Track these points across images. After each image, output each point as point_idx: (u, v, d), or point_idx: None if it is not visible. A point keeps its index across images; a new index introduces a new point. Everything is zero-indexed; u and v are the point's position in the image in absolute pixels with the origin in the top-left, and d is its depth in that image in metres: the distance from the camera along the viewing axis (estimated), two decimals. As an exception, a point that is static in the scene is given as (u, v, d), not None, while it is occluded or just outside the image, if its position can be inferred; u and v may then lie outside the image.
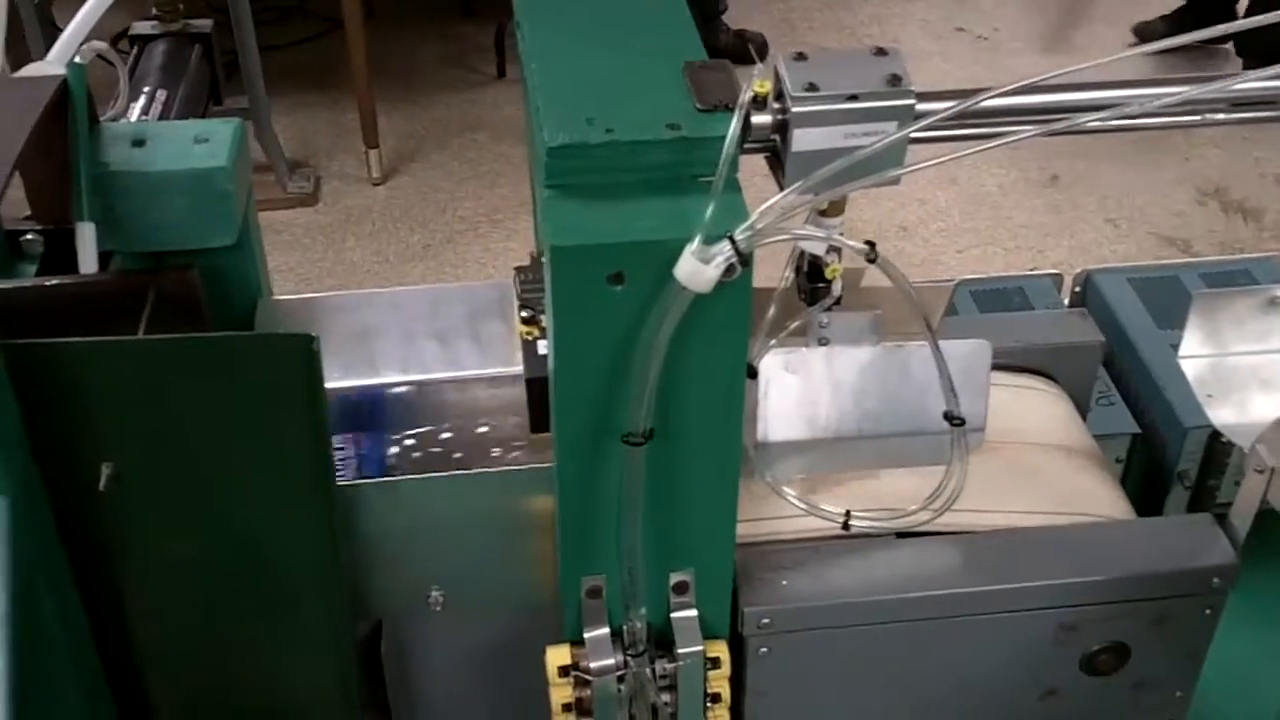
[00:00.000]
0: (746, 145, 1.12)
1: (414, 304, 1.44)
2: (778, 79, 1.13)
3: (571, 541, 1.23)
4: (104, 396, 1.10)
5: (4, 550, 0.99)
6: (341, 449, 1.33)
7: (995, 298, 1.93)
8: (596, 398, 1.13)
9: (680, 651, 1.26)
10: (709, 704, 1.30)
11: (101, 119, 1.35)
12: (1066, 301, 1.94)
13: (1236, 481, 1.67)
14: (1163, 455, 1.73)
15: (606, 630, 1.26)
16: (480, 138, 4.04)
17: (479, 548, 1.32)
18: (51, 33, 3.51)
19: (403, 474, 1.31)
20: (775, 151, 1.16)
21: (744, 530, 1.27)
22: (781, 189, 1.13)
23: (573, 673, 1.26)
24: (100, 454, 1.13)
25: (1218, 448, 1.68)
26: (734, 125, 1.08)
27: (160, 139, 1.33)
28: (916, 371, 1.29)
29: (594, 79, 1.18)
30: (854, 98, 1.12)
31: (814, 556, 1.32)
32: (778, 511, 1.34)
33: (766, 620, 1.28)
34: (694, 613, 1.26)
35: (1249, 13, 3.71)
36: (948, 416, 1.23)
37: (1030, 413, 1.55)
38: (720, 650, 1.27)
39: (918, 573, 1.32)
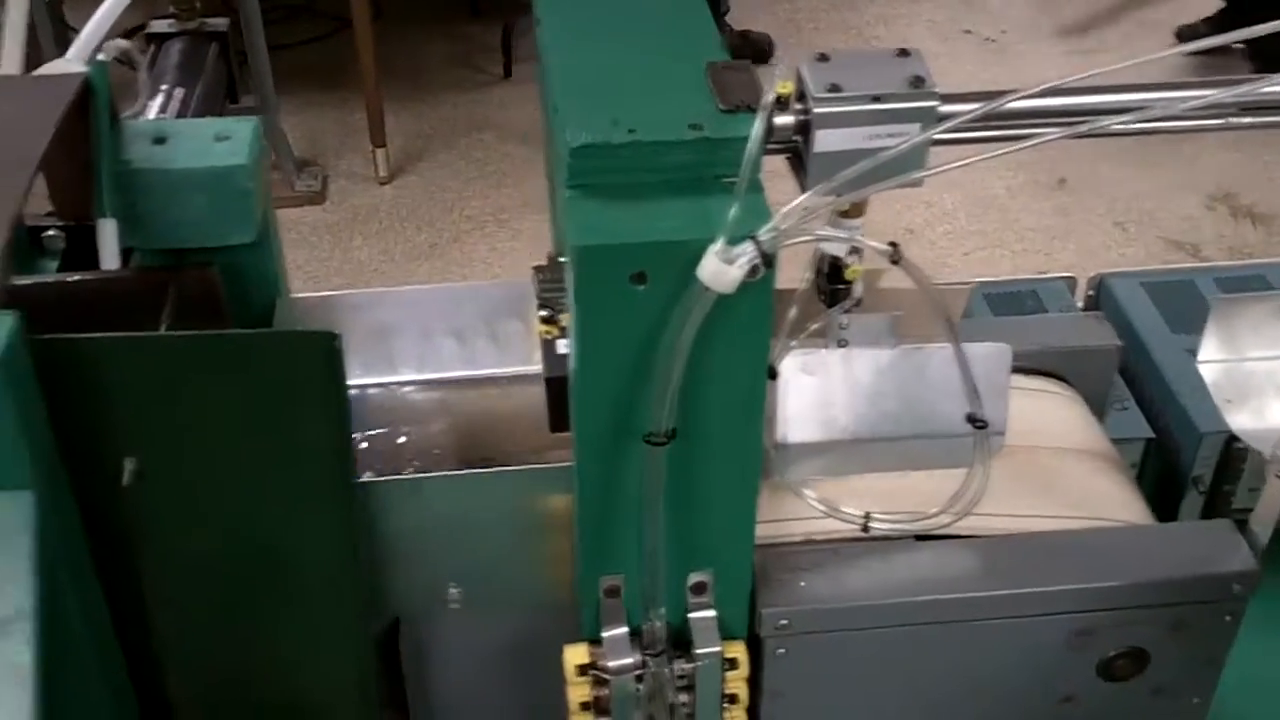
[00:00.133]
0: (768, 146, 1.12)
1: (431, 303, 1.44)
2: (799, 80, 1.13)
3: (590, 541, 1.23)
4: (127, 392, 1.10)
5: (31, 544, 0.99)
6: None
7: (1008, 300, 1.93)
8: (618, 397, 1.13)
9: (698, 652, 1.26)
10: (725, 704, 1.30)
11: (120, 117, 1.35)
12: (1080, 305, 1.94)
13: (1252, 487, 1.68)
14: (1177, 460, 1.73)
15: (625, 629, 1.26)
16: (487, 137, 4.05)
17: (497, 546, 1.32)
18: (62, 30, 3.53)
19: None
20: (796, 152, 1.16)
21: (762, 531, 1.27)
22: (802, 190, 1.13)
23: (590, 671, 1.26)
24: (122, 449, 1.13)
25: (1233, 453, 1.68)
26: (758, 126, 1.08)
27: (181, 137, 1.33)
28: (935, 374, 1.29)
29: (615, 78, 1.18)
30: (877, 99, 1.12)
31: (832, 558, 1.32)
32: (796, 513, 1.34)
33: (784, 622, 1.28)
34: (712, 613, 1.26)
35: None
36: (971, 419, 1.23)
37: (1047, 416, 1.55)
38: (738, 651, 1.27)
39: (936, 576, 1.32)
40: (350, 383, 1.19)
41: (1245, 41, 1.10)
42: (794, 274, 1.29)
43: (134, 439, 1.13)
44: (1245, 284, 1.91)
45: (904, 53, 1.16)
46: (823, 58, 1.15)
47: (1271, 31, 1.06)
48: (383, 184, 3.83)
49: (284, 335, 1.23)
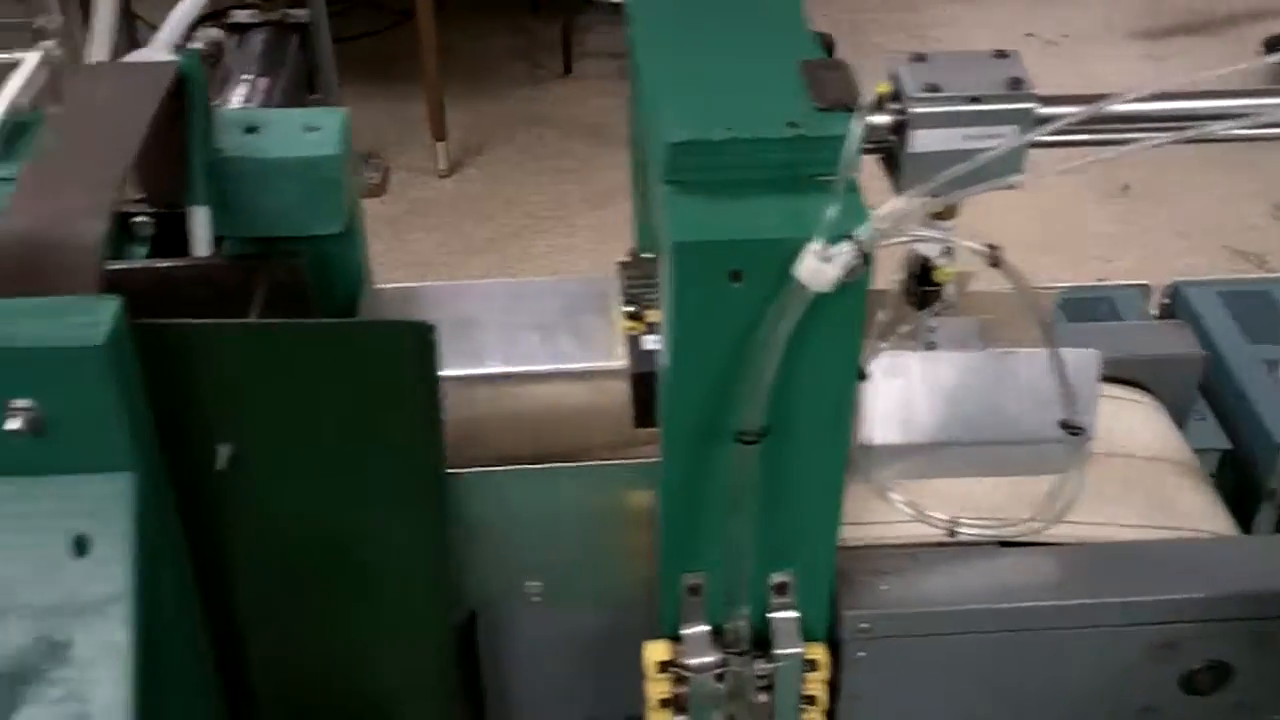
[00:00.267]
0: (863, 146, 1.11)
1: (511, 296, 1.44)
2: (895, 79, 1.12)
3: (673, 538, 1.23)
4: (224, 378, 1.11)
5: (132, 526, 1.00)
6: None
7: (1083, 307, 1.91)
8: (710, 395, 1.13)
9: (778, 652, 1.26)
10: (803, 705, 1.29)
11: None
12: (1154, 313, 1.92)
13: (1330, 501, 1.65)
14: (1252, 472, 1.70)
15: (706, 627, 1.26)
16: (546, 133, 4.05)
17: (576, 541, 1.33)
18: (130, 20, 3.56)
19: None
20: (890, 152, 1.15)
21: (844, 533, 1.26)
22: (896, 190, 1.13)
23: (671, 668, 1.26)
24: (217, 435, 1.14)
25: (1310, 466, 1.66)
26: (857, 126, 1.08)
27: (272, 126, 1.33)
28: (1023, 378, 1.28)
29: (710, 75, 1.18)
30: (976, 100, 1.11)
31: (914, 563, 1.31)
32: (879, 515, 1.34)
33: (866, 625, 1.28)
34: (795, 614, 1.26)
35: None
36: (1065, 425, 1.22)
37: (1132, 424, 1.53)
38: (819, 653, 1.27)
39: (1019, 584, 1.31)
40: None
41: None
42: (882, 276, 1.29)
43: (229, 425, 1.14)
44: (1322, 295, 1.88)
45: (1002, 54, 1.15)
46: (919, 58, 1.14)
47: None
48: (443, 177, 3.85)
49: (382, 325, 1.23)
